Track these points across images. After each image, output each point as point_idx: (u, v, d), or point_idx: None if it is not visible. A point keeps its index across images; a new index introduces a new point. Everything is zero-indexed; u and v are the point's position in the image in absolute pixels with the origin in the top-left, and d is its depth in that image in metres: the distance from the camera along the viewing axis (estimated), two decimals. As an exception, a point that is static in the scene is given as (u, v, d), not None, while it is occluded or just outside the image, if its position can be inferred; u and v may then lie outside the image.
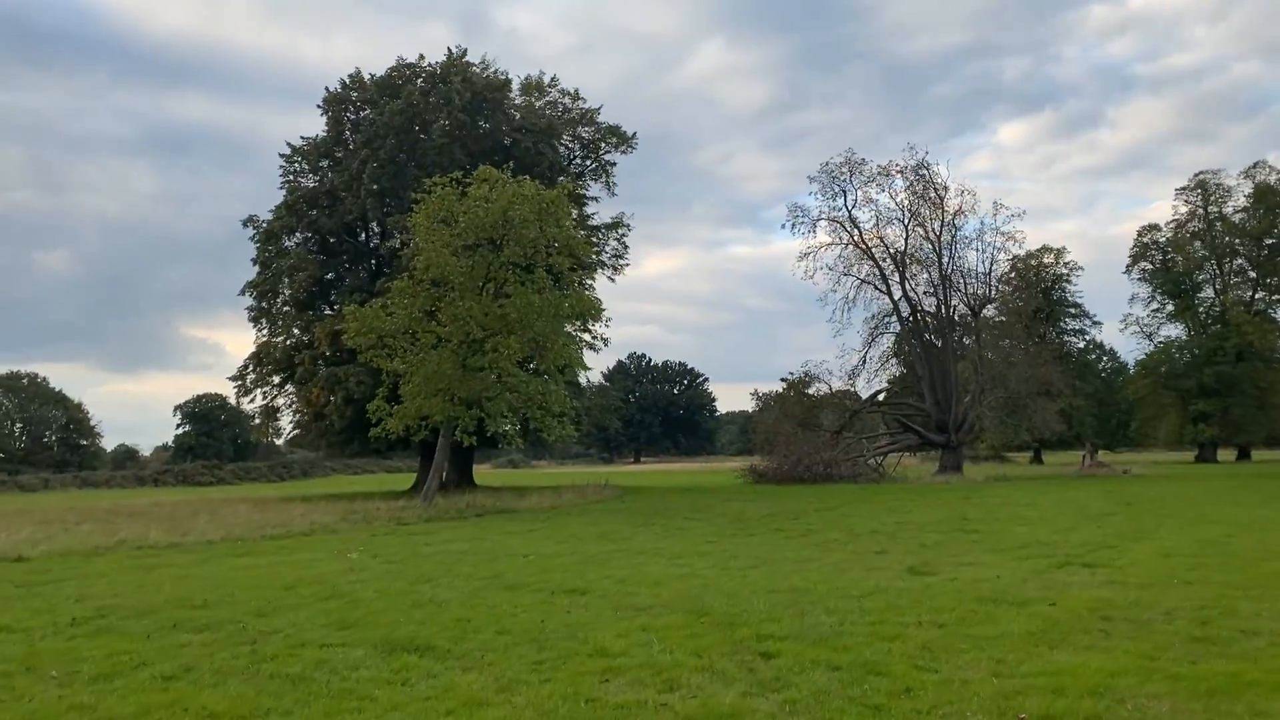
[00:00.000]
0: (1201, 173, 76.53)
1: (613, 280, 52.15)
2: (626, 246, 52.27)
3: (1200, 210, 75.97)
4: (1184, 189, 76.71)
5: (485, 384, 31.23)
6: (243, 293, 47.44)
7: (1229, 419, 72.48)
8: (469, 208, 30.77)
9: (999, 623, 9.42)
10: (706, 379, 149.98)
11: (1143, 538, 17.75)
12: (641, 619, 9.93)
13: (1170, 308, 78.37)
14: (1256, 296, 75.75)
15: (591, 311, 34.91)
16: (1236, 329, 72.56)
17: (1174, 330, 78.76)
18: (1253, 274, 74.28)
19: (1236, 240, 70.04)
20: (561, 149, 50.87)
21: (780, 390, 58.59)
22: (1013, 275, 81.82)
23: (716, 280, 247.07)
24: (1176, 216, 77.96)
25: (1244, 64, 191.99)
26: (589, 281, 49.52)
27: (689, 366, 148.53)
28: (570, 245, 32.65)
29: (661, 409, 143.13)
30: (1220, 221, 73.37)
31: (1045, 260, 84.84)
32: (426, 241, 31.45)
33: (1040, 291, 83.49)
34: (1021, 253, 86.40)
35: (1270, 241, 62.33)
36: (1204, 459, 74.21)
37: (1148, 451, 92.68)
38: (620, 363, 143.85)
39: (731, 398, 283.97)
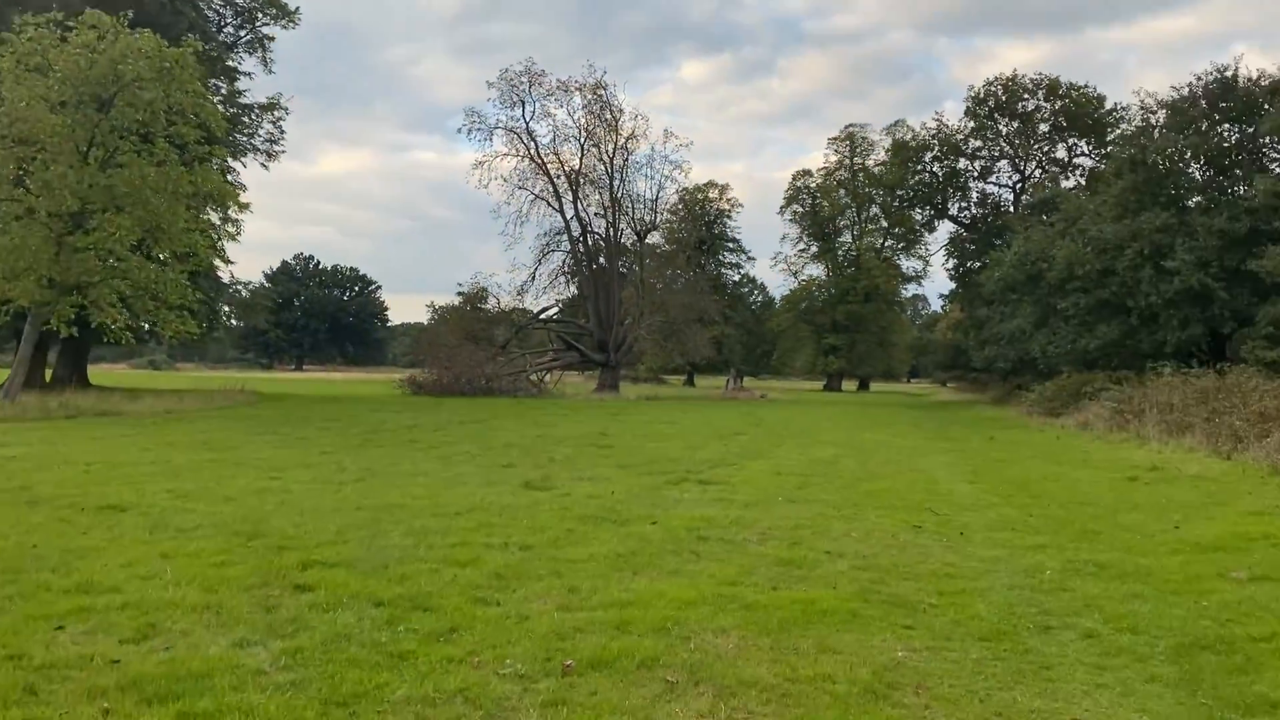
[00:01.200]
0: (850, 126, 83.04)
1: (266, 167, 47.54)
2: (283, 131, 47.57)
3: (847, 161, 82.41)
4: (835, 139, 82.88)
5: (87, 267, 26.78)
6: None
7: (854, 353, 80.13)
8: (68, 56, 25.87)
9: (591, 543, 8.59)
10: (379, 286, 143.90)
11: (762, 456, 18.17)
12: (170, 543, 8.09)
13: (814, 249, 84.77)
14: (886, 244, 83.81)
15: (219, 194, 30.94)
16: (867, 272, 79.99)
17: (816, 270, 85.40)
18: (885, 223, 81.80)
19: (874, 190, 76.51)
20: (210, 13, 45.01)
21: (456, 303, 56.72)
22: (680, 206, 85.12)
23: (399, 186, 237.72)
24: (826, 165, 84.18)
25: (899, 33, 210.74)
26: (237, 164, 44.70)
27: (361, 272, 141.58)
28: (200, 114, 28.55)
29: (329, 315, 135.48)
30: (862, 172, 79.89)
31: (710, 195, 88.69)
32: (13, 92, 26.15)
33: (704, 225, 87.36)
34: (689, 185, 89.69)
35: (901, 193, 68.43)
36: (831, 388, 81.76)
37: (786, 379, 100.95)
38: (285, 263, 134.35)
39: (408, 308, 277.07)
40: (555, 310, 61.09)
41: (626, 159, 57.42)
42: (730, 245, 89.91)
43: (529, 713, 4.53)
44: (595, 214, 57.83)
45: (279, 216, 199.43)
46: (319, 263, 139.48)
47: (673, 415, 33.09)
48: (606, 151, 56.63)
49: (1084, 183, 57.39)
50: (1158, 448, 20.96)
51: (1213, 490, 13.98)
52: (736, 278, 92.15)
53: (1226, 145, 34.76)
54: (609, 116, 56.32)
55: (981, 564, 8.44)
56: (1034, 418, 34.27)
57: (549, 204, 56.52)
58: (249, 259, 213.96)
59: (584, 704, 4.62)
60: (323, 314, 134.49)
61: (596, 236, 58.01)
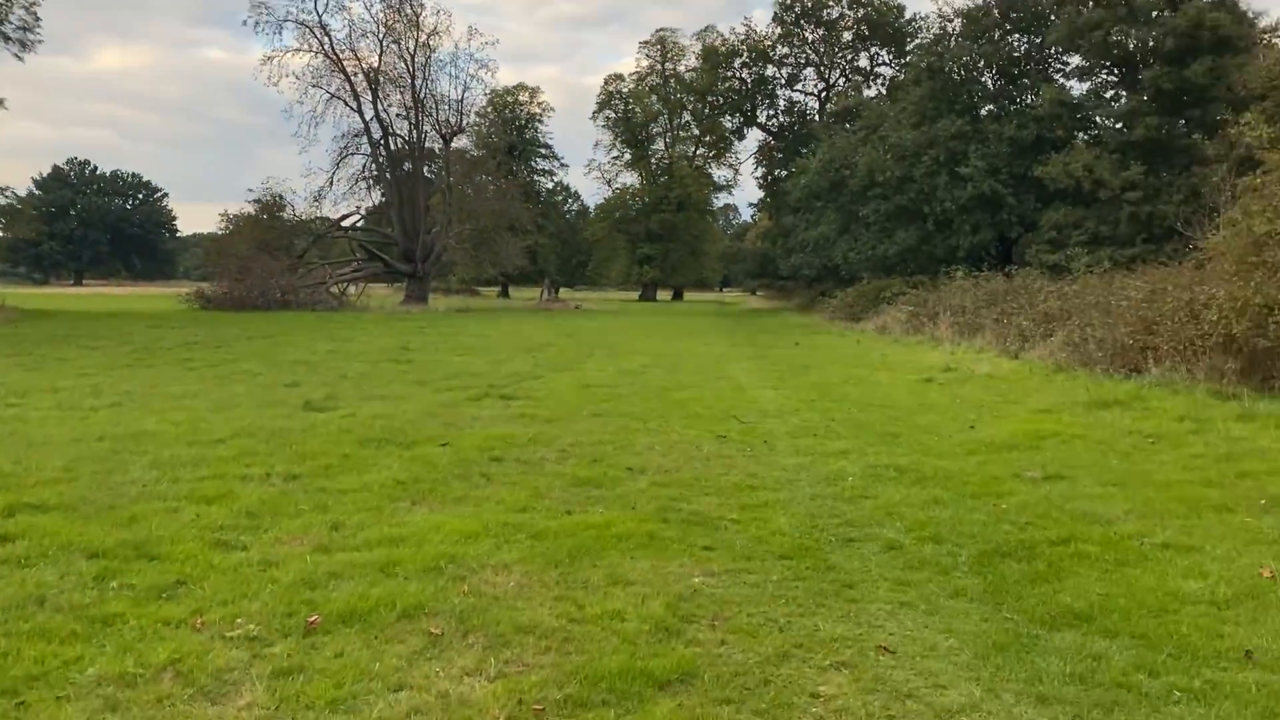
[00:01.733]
0: (662, 30, 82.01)
1: (20, 58, 42.08)
2: (38, 18, 42.13)
3: (659, 66, 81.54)
4: (646, 44, 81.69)
5: None
6: None
7: (668, 262, 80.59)
8: None
9: (369, 470, 7.75)
10: (165, 194, 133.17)
11: (570, 369, 17.58)
12: None
13: (628, 156, 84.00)
14: (698, 152, 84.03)
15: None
16: (679, 181, 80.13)
17: (630, 178, 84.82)
18: (696, 131, 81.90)
19: (686, 97, 76.21)
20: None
21: (251, 212, 52.63)
22: (489, 110, 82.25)
23: (187, 85, 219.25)
24: (639, 70, 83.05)
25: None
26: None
27: (144, 179, 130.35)
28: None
29: (110, 226, 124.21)
30: (674, 79, 79.29)
31: (521, 99, 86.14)
32: None
33: (514, 129, 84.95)
34: (498, 87, 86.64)
35: (711, 99, 68.46)
36: (646, 298, 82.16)
37: (602, 290, 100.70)
38: (57, 168, 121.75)
39: (200, 218, 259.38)
40: (359, 219, 58.06)
41: (429, 57, 54.56)
42: (543, 152, 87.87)
43: (253, 686, 3.73)
44: (397, 115, 54.87)
45: (47, 117, 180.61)
46: (96, 168, 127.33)
47: (482, 328, 32.05)
48: (407, 49, 53.57)
49: (885, 92, 58.90)
50: (951, 349, 21.75)
51: (1003, 389, 14.44)
52: (550, 185, 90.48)
53: (1016, 55, 36.13)
54: (409, 11, 53.18)
55: (784, 473, 8.15)
56: (836, 323, 35.30)
57: (346, 104, 53.14)
58: (11, 165, 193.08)
59: (323, 670, 3.86)
60: (103, 224, 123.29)
61: (400, 140, 55.13)
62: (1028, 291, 23.53)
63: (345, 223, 55.98)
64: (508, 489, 7.18)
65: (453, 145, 57.96)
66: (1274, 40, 30.80)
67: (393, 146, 54.65)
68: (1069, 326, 18.21)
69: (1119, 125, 31.50)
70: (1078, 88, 34.49)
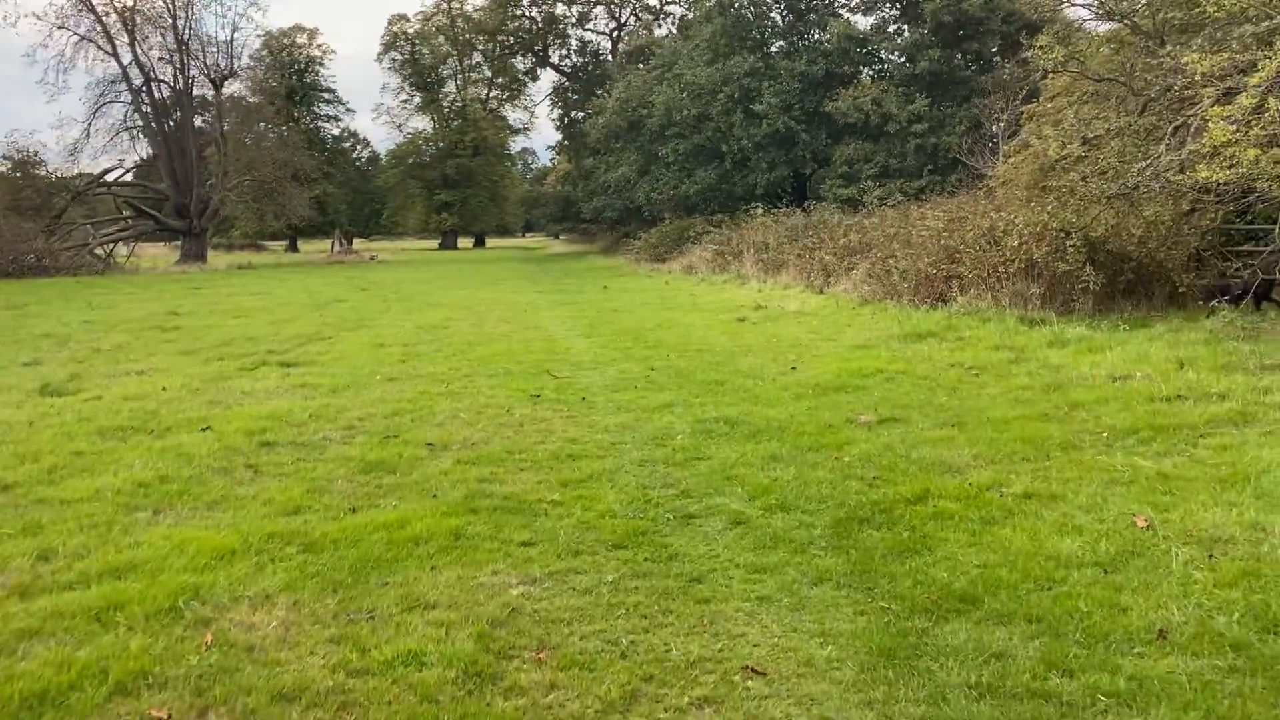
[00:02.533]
0: (446, -34, 78.36)
1: None
2: None
3: (445, 5, 77.97)
4: (431, -18, 77.76)
5: None
6: None
7: (467, 208, 78.00)
8: None
9: (105, 470, 6.32)
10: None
11: (362, 325, 16.09)
12: None
13: (418, 100, 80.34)
14: (491, 95, 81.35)
15: None
16: (474, 124, 77.35)
17: (422, 122, 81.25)
18: (488, 73, 79.22)
19: (475, 37, 73.41)
20: None
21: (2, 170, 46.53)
22: (264, 53, 76.52)
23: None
24: (424, 9, 79.30)
25: None
26: None
27: None
28: None
29: None
30: (461, 18, 76.07)
31: (299, 41, 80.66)
32: None
33: (294, 73, 79.54)
34: (266, 23, 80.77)
35: (502, 38, 66.21)
36: (446, 246, 79.37)
37: (399, 239, 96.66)
38: None
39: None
40: (125, 173, 52.60)
41: (192, -6, 49.64)
42: (326, 96, 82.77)
43: None
44: (160, 59, 49.83)
45: None
46: None
47: (266, 285, 29.56)
48: (168, -16, 48.56)
49: (676, 31, 58.52)
50: (758, 286, 21.55)
51: (815, 325, 14.14)
52: (336, 132, 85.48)
53: (804, -10, 36.25)
54: (168, -58, 48.13)
55: (607, 435, 7.30)
56: (642, 265, 34.80)
57: (99, 47, 47.79)
58: None
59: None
60: None
61: (165, 86, 50.14)
62: (826, 226, 23.61)
63: (108, 178, 50.57)
64: (278, 484, 5.96)
65: (226, 91, 53.44)
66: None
67: (157, 94, 49.66)
68: (871, 259, 18.23)
69: (904, 60, 32.17)
70: (863, 22, 35.06)
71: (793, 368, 10.17)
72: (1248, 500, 5.02)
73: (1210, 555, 4.30)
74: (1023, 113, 20.33)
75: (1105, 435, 6.57)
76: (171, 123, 50.47)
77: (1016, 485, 5.51)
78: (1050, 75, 19.35)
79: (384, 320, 17.11)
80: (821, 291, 19.01)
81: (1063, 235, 12.96)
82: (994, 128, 28.54)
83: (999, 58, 30.62)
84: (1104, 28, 15.88)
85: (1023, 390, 8.34)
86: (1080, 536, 4.59)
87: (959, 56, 31.47)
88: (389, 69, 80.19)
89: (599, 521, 5.14)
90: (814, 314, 15.62)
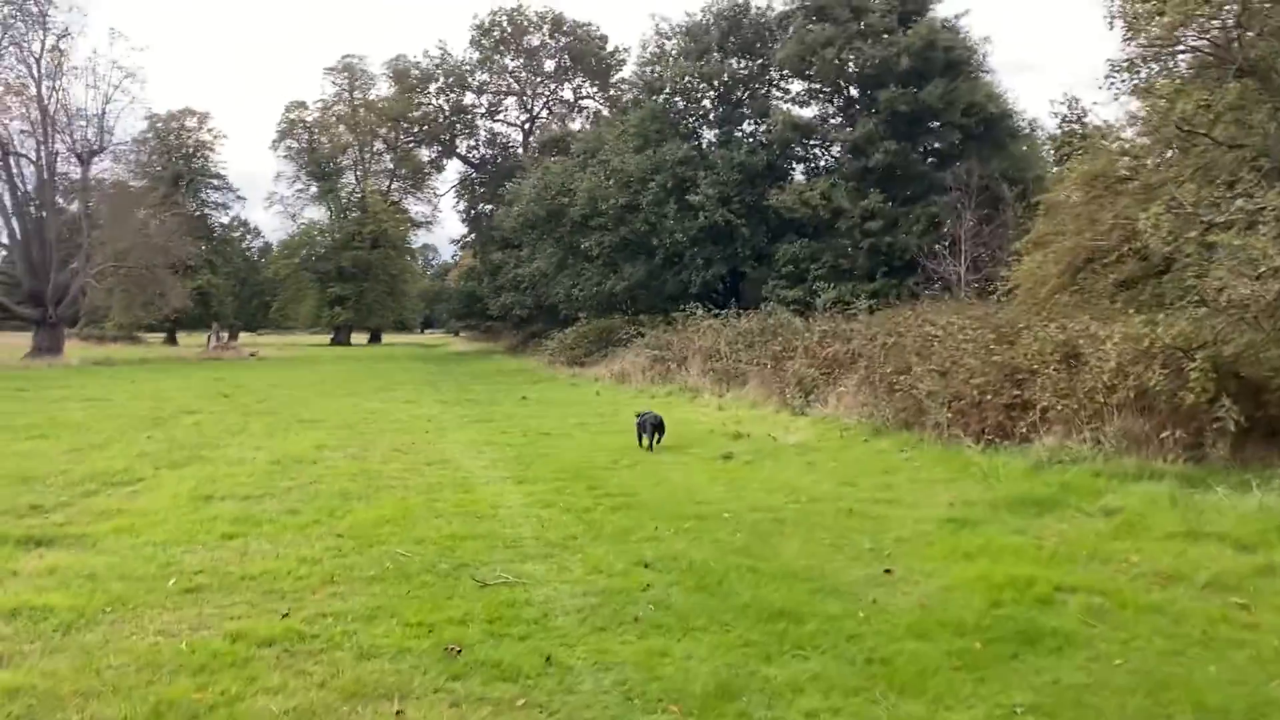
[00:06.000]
0: (348, 56, 75.32)
1: None
2: None
3: (346, 94, 74.34)
4: (332, 69, 74.07)
5: None
6: None
7: (363, 303, 73.07)
8: None
9: None
10: None
11: (197, 458, 11.48)
12: None
13: (315, 189, 75.88)
14: (393, 186, 77.39)
15: None
16: (374, 216, 73.09)
17: (318, 213, 76.61)
18: (390, 164, 75.41)
19: (378, 125, 69.80)
20: None
21: None
22: (150, 135, 71.31)
23: None
24: (324, 97, 75.52)
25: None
26: None
27: None
28: None
29: None
30: (364, 107, 72.46)
31: (188, 125, 75.68)
32: None
33: (181, 158, 74.29)
34: (145, 97, 75.81)
35: (405, 125, 62.73)
36: (339, 341, 73.96)
37: (289, 334, 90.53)
38: None
39: None
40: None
41: (60, 63, 44.54)
42: (215, 183, 77.28)
43: None
44: (21, 131, 44.43)
45: None
46: None
47: (111, 388, 24.38)
48: (32, 50, 43.45)
49: (590, 126, 55.88)
50: (716, 403, 17.71)
51: (836, 470, 10.24)
52: (226, 220, 79.92)
53: (740, 76, 33.55)
54: (34, 6, 43.18)
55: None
56: (558, 368, 30.78)
57: (-50, 115, 42.28)
58: None
59: None
60: None
61: (23, 158, 44.58)
62: (792, 331, 20.05)
63: (-54, 260, 44.46)
64: None
65: (99, 170, 48.11)
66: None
67: (13, 168, 44.05)
68: (870, 375, 14.60)
69: (851, 153, 29.36)
70: (802, 115, 32.38)
71: (886, 570, 6.15)
72: None
73: None
74: (1038, 203, 17.27)
75: None
76: (32, 202, 44.87)
77: None
78: (1068, 160, 16.46)
79: (232, 448, 12.50)
80: (803, 413, 15.23)
81: (1178, 354, 9.48)
82: (958, 228, 25.75)
83: (960, 152, 28.12)
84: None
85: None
86: None
87: (916, 150, 28.86)
88: (284, 156, 75.75)
89: None
90: (820, 448, 11.75)
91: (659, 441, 12.14)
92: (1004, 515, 7.49)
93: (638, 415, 12.69)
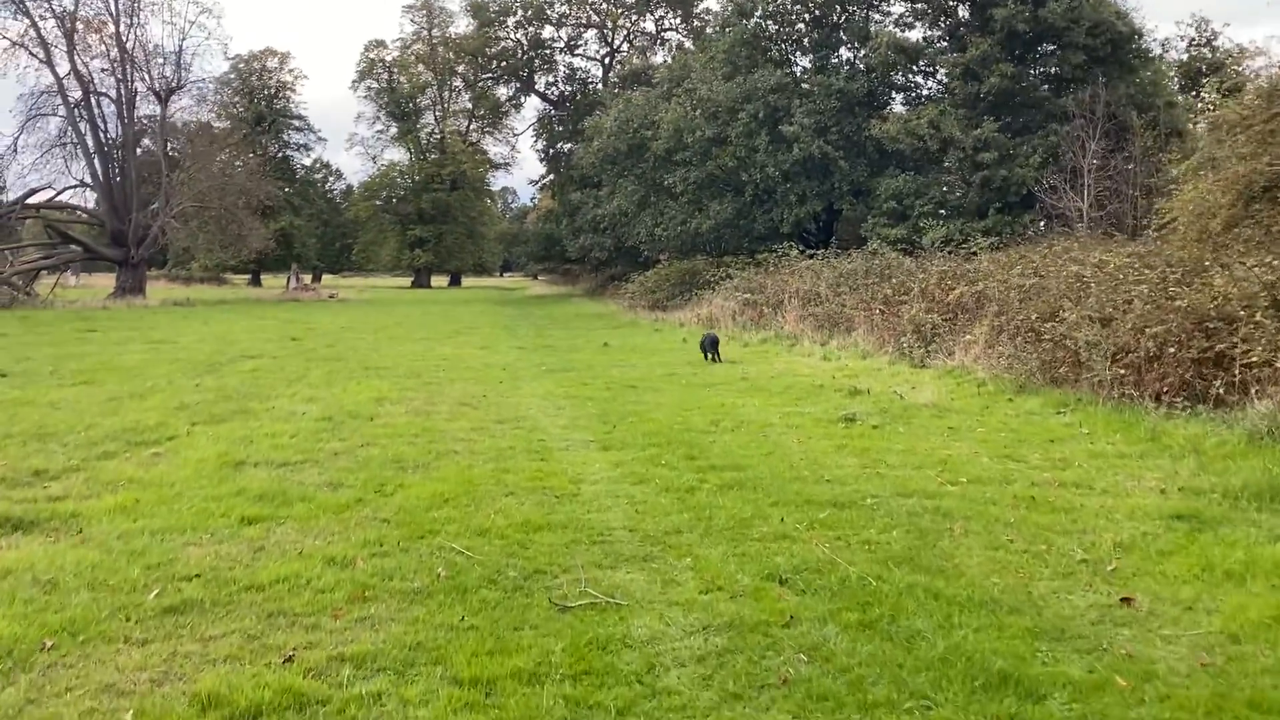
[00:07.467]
0: (430, -11, 73.57)
1: None
2: None
3: (425, 33, 72.78)
4: (410, 8, 72.32)
5: None
6: None
7: (442, 245, 72.24)
8: None
9: None
10: None
11: (242, 411, 10.18)
12: None
13: (394, 130, 74.90)
14: (472, 127, 75.97)
15: None
16: (453, 157, 71.92)
17: (398, 154, 75.70)
18: (469, 104, 73.87)
19: (456, 62, 68.19)
20: None
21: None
22: (232, 76, 71.04)
23: None
24: (402, 35, 74.12)
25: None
26: None
27: None
28: None
29: None
30: (443, 45, 70.85)
31: (269, 65, 75.22)
32: None
33: (263, 99, 73.99)
34: (222, 33, 75.64)
35: (483, 61, 61.04)
36: (419, 284, 73.34)
37: (371, 276, 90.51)
38: None
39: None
40: (59, 195, 46.23)
41: (137, -3, 43.78)
42: (297, 124, 76.91)
43: None
44: (101, 70, 44.04)
45: None
46: None
47: (182, 329, 23.57)
48: (110, -17, 42.77)
49: (674, 59, 53.52)
50: (821, 351, 15.87)
51: (987, 437, 8.43)
52: (308, 162, 79.66)
53: (837, -1, 30.98)
54: (108, -63, 42.44)
55: None
56: (639, 312, 29.16)
57: (32, 53, 41.95)
58: None
59: None
60: None
61: (106, 99, 44.16)
62: (900, 272, 18.05)
63: (34, 199, 44.30)
64: None
65: (179, 110, 47.66)
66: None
67: (96, 107, 43.67)
68: (1006, 322, 12.63)
69: (962, 78, 26.74)
70: (907, 37, 29.73)
71: (1123, 599, 4.39)
72: None
73: None
74: (1173, 132, 14.86)
75: None
76: (112, 139, 44.50)
77: None
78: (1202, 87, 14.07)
79: (284, 399, 11.17)
80: (924, 365, 13.36)
81: None
82: (1080, 160, 23.22)
83: (1083, 76, 25.36)
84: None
85: None
86: None
87: (1033, 74, 26.16)
88: (364, 97, 74.85)
89: None
90: (957, 409, 9.91)
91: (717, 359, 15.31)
92: (1250, 511, 5.65)
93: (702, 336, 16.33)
